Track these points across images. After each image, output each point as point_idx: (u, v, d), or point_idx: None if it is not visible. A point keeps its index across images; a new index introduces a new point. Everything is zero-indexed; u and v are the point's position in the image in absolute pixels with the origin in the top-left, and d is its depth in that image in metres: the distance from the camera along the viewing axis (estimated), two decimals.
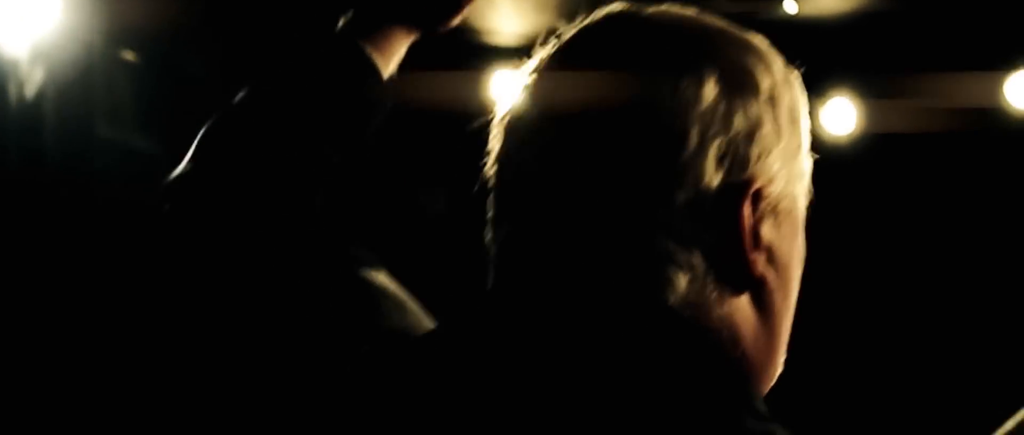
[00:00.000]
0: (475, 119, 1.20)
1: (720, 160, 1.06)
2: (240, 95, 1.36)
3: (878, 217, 5.33)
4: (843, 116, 5.16)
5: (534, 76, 1.13)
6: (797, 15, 4.45)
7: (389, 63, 1.40)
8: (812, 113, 1.15)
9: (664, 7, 1.14)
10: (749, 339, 1.07)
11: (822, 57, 4.29)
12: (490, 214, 1.12)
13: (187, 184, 1.32)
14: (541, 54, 1.14)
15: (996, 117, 4.84)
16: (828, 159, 1.28)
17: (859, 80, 5.11)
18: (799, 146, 1.12)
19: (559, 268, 1.05)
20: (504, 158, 1.12)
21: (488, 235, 1.11)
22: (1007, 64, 4.85)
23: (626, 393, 0.97)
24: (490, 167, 1.14)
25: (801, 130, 1.12)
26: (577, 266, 1.05)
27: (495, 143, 1.14)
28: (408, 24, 1.41)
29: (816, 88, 4.63)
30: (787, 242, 1.10)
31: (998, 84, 4.82)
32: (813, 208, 1.15)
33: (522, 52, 1.17)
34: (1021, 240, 5.19)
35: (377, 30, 1.39)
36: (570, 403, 0.98)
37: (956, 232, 5.32)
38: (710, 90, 1.07)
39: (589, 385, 0.98)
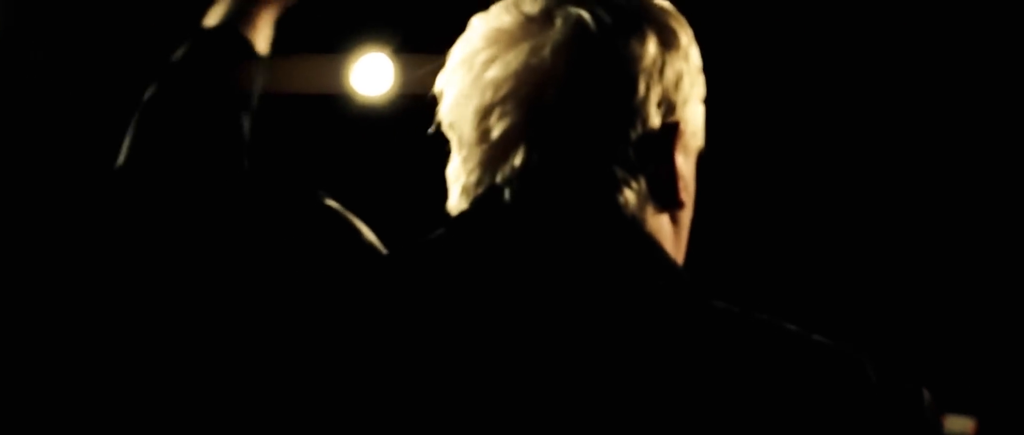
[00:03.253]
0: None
1: (658, 105, 1.34)
2: (151, 90, 1.52)
3: None
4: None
5: (499, 29, 1.37)
6: None
7: (261, 40, 1.58)
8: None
9: None
10: (669, 246, 1.35)
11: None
12: (472, 148, 1.36)
13: (136, 167, 1.47)
14: (499, 12, 1.38)
15: None
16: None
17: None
18: (701, 94, 1.41)
19: (547, 189, 1.31)
20: (479, 103, 1.35)
21: (474, 161, 1.35)
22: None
23: (612, 277, 1.28)
24: (458, 107, 1.37)
25: (702, 81, 1.41)
26: (561, 187, 1.31)
27: (460, 86, 1.37)
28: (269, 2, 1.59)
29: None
30: (692, 172, 1.39)
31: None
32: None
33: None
34: None
35: (246, 14, 1.57)
36: (575, 286, 1.27)
37: None
38: (651, 47, 1.35)
39: (584, 272, 1.28)
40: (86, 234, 4.02)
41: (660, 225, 1.35)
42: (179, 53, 1.54)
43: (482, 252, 1.30)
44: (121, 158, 1.48)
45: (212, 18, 1.57)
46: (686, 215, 1.39)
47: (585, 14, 1.34)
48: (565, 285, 1.27)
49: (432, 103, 1.41)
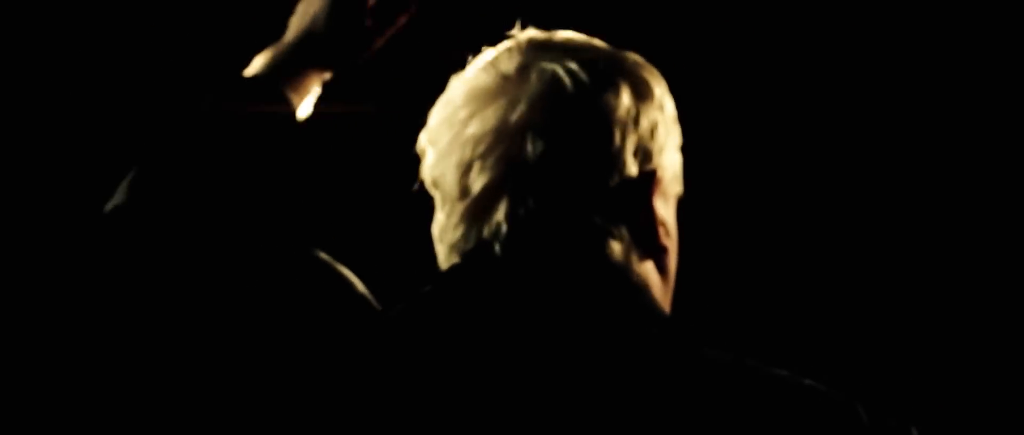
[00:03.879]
0: None
1: (635, 154, 1.39)
2: (165, 135, 1.48)
3: None
4: None
5: (477, 87, 1.41)
6: None
7: (302, 101, 1.55)
8: None
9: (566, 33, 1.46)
10: (657, 292, 1.40)
11: None
12: (454, 203, 1.40)
13: (134, 214, 1.44)
14: (478, 72, 1.43)
15: None
16: None
17: None
18: (677, 142, 1.46)
19: (534, 243, 1.36)
20: (460, 159, 1.40)
21: (458, 216, 1.39)
22: None
23: (604, 330, 1.31)
24: (440, 164, 1.42)
25: (677, 130, 1.46)
26: (547, 239, 1.36)
27: (441, 144, 1.42)
28: (320, 65, 1.54)
29: None
30: (673, 217, 1.43)
31: None
32: None
33: None
34: None
35: (295, 72, 1.53)
36: (569, 340, 1.31)
37: None
38: (625, 99, 1.40)
39: (577, 325, 1.32)
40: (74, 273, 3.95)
41: (646, 272, 1.39)
42: (206, 98, 1.50)
43: (476, 307, 1.33)
44: (121, 196, 1.46)
45: (256, 66, 1.54)
46: (671, 260, 1.43)
47: (559, 69, 1.39)
48: (559, 339, 1.30)
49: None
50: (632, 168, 1.38)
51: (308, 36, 1.52)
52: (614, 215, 1.37)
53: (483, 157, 1.38)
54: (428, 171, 1.44)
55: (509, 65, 1.42)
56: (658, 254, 1.40)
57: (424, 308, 1.36)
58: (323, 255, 1.44)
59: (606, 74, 1.40)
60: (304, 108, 1.54)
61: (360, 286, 1.42)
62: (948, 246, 4.02)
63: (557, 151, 1.37)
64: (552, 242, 1.35)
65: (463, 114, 1.41)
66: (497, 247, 1.36)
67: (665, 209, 1.41)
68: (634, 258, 1.38)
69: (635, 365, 1.28)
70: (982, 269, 4.03)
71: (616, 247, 1.37)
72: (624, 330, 1.31)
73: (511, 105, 1.38)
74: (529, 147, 1.37)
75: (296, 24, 1.54)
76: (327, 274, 1.42)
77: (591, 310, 1.33)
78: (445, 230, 1.41)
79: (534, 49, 1.43)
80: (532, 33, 1.46)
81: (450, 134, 1.41)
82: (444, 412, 1.29)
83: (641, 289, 1.37)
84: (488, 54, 1.45)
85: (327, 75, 1.55)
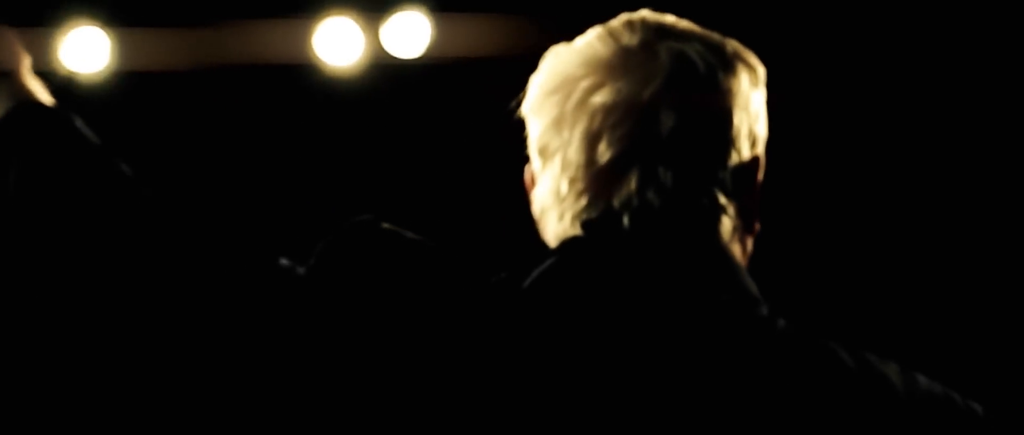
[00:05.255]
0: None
1: (748, 137, 1.43)
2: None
3: None
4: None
5: (598, 57, 1.42)
6: None
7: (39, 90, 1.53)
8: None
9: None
10: (741, 264, 1.43)
11: None
12: (579, 170, 1.41)
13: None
14: (593, 42, 1.44)
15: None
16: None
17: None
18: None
19: (660, 218, 1.39)
20: (587, 128, 1.40)
21: (583, 184, 1.41)
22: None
23: (710, 311, 1.36)
24: (558, 131, 1.42)
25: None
26: (672, 216, 1.39)
27: (558, 110, 1.42)
28: None
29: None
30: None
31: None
32: None
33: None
34: None
35: (16, 81, 1.51)
36: (680, 308, 1.36)
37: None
38: (743, 83, 1.44)
39: (687, 303, 1.36)
40: None
41: (740, 252, 1.44)
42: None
43: (605, 284, 1.37)
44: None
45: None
46: (753, 243, 1.48)
47: (688, 49, 1.42)
48: (672, 315, 1.35)
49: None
50: (746, 151, 1.43)
51: None
52: (728, 196, 1.41)
53: (614, 128, 1.40)
54: (538, 138, 1.44)
55: (631, 40, 1.43)
56: (752, 234, 1.45)
57: (556, 280, 1.38)
58: (390, 227, 1.44)
59: (729, 59, 1.44)
60: (43, 94, 1.52)
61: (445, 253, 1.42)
62: (948, 246, 4.16)
63: (687, 129, 1.40)
64: (675, 219, 1.39)
65: (586, 84, 1.42)
66: (626, 219, 1.39)
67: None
68: (735, 238, 1.42)
69: (735, 349, 1.34)
70: (982, 269, 4.17)
71: (726, 227, 1.41)
72: (727, 316, 1.36)
73: (645, 80, 1.40)
74: (662, 122, 1.39)
75: None
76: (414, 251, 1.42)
77: (699, 294, 1.37)
78: (563, 198, 1.42)
79: (653, 29, 1.45)
80: (645, 13, 1.47)
81: (571, 102, 1.42)
82: (581, 388, 1.33)
83: (740, 273, 1.41)
84: (599, 29, 1.46)
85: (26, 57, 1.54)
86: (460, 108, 4.11)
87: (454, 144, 4.22)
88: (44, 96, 1.52)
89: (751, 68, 1.46)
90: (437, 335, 1.36)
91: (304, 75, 4.01)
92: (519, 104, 1.47)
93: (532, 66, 1.48)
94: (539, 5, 3.72)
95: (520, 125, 1.48)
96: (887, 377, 1.35)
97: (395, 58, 3.98)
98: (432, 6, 3.98)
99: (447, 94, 4.15)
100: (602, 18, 1.49)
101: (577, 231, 1.41)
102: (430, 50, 3.98)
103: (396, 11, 3.95)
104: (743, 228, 1.44)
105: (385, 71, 3.99)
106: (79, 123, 1.48)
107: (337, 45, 3.97)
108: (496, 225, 4.01)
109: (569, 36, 1.49)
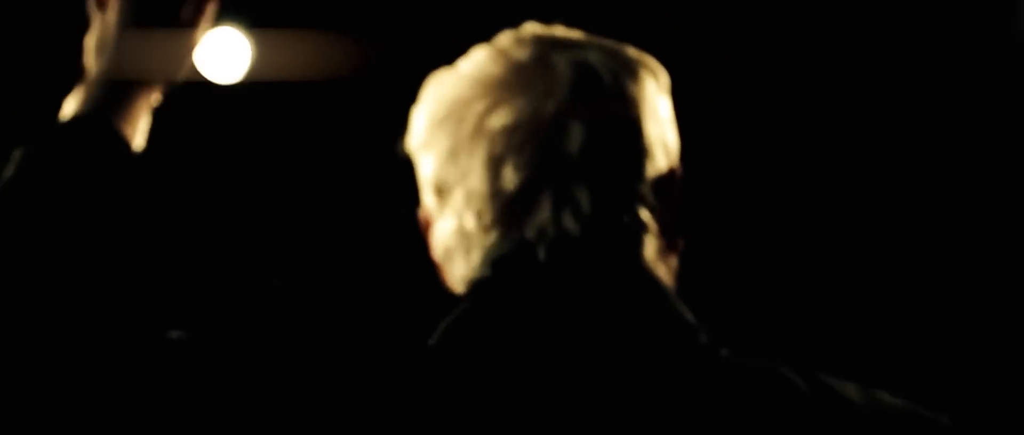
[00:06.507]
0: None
1: (662, 146, 1.34)
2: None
3: None
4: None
5: (490, 77, 1.32)
6: None
7: (135, 132, 1.38)
8: None
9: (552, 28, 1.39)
10: (671, 288, 1.33)
11: None
12: (485, 202, 1.30)
13: None
14: (482, 62, 1.34)
15: None
16: None
17: None
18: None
19: (578, 247, 1.28)
20: (489, 154, 1.30)
21: (490, 217, 1.30)
22: None
23: (641, 344, 1.26)
24: (456, 162, 1.31)
25: None
26: (591, 244, 1.29)
27: (453, 140, 1.31)
28: (145, 86, 1.39)
29: None
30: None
31: None
32: None
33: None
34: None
35: (121, 104, 1.36)
36: (611, 349, 1.25)
37: None
38: (649, 88, 1.34)
39: (614, 338, 1.26)
40: None
41: (665, 271, 1.34)
42: (32, 149, 1.30)
43: (523, 326, 1.26)
44: None
45: (75, 104, 1.36)
46: (677, 259, 1.39)
47: (588, 58, 1.34)
48: (602, 358, 1.25)
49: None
50: (662, 162, 1.34)
51: (119, 58, 1.36)
52: (649, 213, 1.32)
53: (518, 150, 1.30)
54: (434, 173, 1.33)
55: (524, 54, 1.34)
56: (676, 250, 1.36)
57: (467, 333, 1.26)
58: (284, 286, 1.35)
59: (632, 65, 1.35)
60: (139, 140, 1.37)
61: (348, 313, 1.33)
62: (945, 246, 4.11)
63: (598, 143, 1.30)
64: (596, 247, 1.29)
65: (481, 106, 1.31)
66: (541, 252, 1.28)
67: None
68: (659, 258, 1.33)
69: (671, 381, 1.24)
70: (981, 269, 4.11)
71: (650, 249, 1.32)
72: (659, 347, 1.26)
73: (545, 95, 1.31)
74: (570, 139, 1.30)
75: (98, 53, 1.38)
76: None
77: (628, 327, 1.27)
78: (470, 235, 1.31)
79: (545, 41, 1.36)
80: (532, 25, 1.38)
81: (465, 129, 1.31)
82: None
83: (669, 299, 1.31)
84: (484, 48, 1.37)
85: (155, 96, 1.39)
86: (280, 134, 3.96)
87: (278, 176, 4.07)
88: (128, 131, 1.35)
89: (654, 73, 1.37)
90: (330, 412, 1.22)
91: None
92: (400, 143, 1.38)
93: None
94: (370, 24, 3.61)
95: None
96: (844, 397, 1.27)
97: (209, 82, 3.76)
98: (249, 23, 3.75)
99: (268, 119, 3.99)
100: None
101: (488, 272, 1.29)
102: (251, 73, 3.76)
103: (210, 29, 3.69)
104: (667, 244, 1.34)
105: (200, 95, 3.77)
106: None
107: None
108: (333, 261, 3.85)
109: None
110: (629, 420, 1.23)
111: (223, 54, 3.70)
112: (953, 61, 3.99)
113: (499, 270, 1.29)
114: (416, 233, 1.39)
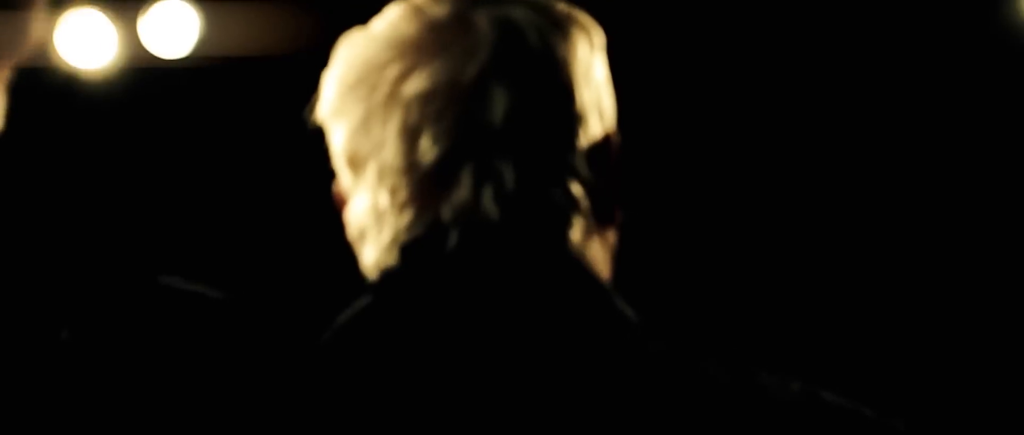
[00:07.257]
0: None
1: (596, 111, 1.23)
2: None
3: None
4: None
5: (405, 38, 1.21)
6: None
7: None
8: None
9: None
10: (603, 270, 1.23)
11: None
12: (400, 177, 1.19)
13: None
14: (397, 21, 1.23)
15: None
16: None
17: None
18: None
19: (495, 231, 1.17)
20: (403, 124, 1.20)
21: (405, 194, 1.19)
22: None
23: (566, 341, 1.14)
24: (368, 133, 1.21)
25: None
26: (510, 227, 1.18)
27: (365, 108, 1.21)
28: None
29: None
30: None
31: None
32: None
33: None
34: None
35: None
36: (520, 353, 1.13)
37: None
38: (581, 48, 1.23)
39: (532, 335, 1.14)
40: None
41: (598, 252, 1.23)
42: None
43: (423, 327, 1.15)
44: None
45: None
46: (617, 234, 1.29)
47: (513, 15, 1.23)
48: (504, 353, 1.14)
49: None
50: (596, 128, 1.23)
51: None
52: (579, 186, 1.21)
53: (436, 119, 1.19)
54: (345, 145, 1.22)
55: (441, 12, 1.22)
56: (611, 227, 1.25)
57: (361, 331, 1.16)
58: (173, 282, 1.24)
59: (562, 22, 1.24)
60: None
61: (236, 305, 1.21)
62: (943, 246, 4.14)
63: (524, 110, 1.20)
64: (516, 230, 1.18)
65: (393, 72, 1.20)
66: (454, 237, 1.17)
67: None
68: (590, 237, 1.22)
69: (631, 389, 1.14)
70: (981, 269, 4.12)
71: (577, 230, 1.20)
72: (587, 345, 1.15)
73: (465, 57, 1.20)
74: (493, 105, 1.20)
75: None
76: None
77: (551, 322, 1.16)
78: (383, 214, 1.20)
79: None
80: None
81: (378, 95, 1.21)
82: None
83: (599, 286, 1.20)
84: (400, 5, 1.26)
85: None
86: (231, 114, 3.85)
87: (225, 156, 3.98)
88: None
89: (587, 31, 1.26)
90: (210, 414, 1.14)
91: (40, 79, 3.54)
92: (312, 109, 1.27)
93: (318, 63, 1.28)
94: None
95: (307, 133, 1.29)
96: (767, 392, 1.17)
97: (156, 57, 3.67)
98: None
99: (217, 98, 3.87)
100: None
101: (393, 260, 1.19)
102: (198, 48, 3.68)
103: (156, 2, 3.65)
104: (599, 220, 1.23)
105: (144, 73, 3.70)
106: None
107: (83, 43, 3.62)
108: (275, 246, 3.77)
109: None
110: (527, 425, 1.12)
111: (170, 28, 3.63)
112: (949, 57, 3.98)
113: (406, 259, 1.19)
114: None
